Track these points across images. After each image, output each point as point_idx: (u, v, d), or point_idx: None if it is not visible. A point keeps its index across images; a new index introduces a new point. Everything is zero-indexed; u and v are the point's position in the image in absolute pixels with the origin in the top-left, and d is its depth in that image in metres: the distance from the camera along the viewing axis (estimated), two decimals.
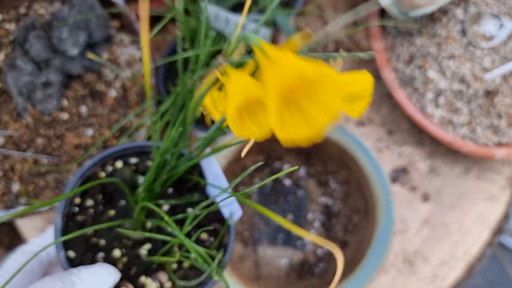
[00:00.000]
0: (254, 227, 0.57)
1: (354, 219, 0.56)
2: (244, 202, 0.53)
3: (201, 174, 0.39)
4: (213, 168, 0.37)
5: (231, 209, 0.37)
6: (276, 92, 0.17)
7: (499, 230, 0.63)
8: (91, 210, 0.37)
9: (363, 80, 0.22)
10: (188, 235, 0.37)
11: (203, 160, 0.38)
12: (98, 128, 0.53)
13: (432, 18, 0.62)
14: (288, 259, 0.56)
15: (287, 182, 0.58)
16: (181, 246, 0.37)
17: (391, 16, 0.60)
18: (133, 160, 0.40)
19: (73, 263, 0.35)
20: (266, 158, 0.58)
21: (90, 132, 0.53)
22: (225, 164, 0.50)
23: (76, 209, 0.37)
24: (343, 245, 0.55)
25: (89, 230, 0.32)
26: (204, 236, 0.37)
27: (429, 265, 0.61)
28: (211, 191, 0.38)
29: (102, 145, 0.54)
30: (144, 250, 0.37)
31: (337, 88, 0.17)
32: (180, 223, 0.37)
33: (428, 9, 0.57)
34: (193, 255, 0.34)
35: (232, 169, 0.57)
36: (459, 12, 0.61)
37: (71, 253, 0.35)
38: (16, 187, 0.52)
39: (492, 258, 1.21)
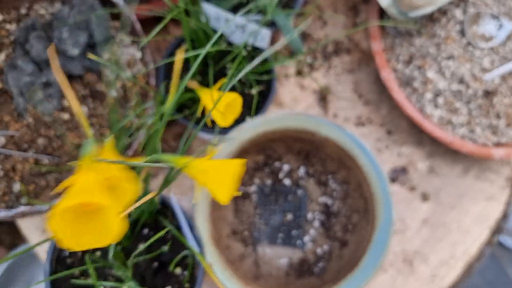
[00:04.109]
0: (254, 226, 0.57)
1: (354, 218, 0.56)
2: (244, 201, 0.53)
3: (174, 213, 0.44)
4: (176, 206, 0.42)
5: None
6: (73, 201, 0.19)
7: (498, 230, 0.64)
8: (79, 253, 0.42)
9: (230, 171, 0.25)
10: (164, 269, 0.41)
11: (170, 199, 0.43)
12: (98, 128, 0.54)
13: (431, 18, 0.62)
14: (288, 259, 0.57)
15: (287, 181, 0.59)
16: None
17: (391, 16, 0.60)
18: None
19: None
20: (266, 158, 0.58)
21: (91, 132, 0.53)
22: None
23: (67, 253, 0.42)
24: (342, 245, 0.56)
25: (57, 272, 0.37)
26: (178, 270, 0.42)
27: (428, 265, 0.62)
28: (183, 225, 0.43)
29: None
30: (126, 286, 0.39)
31: (112, 216, 0.20)
32: (157, 259, 0.42)
33: (428, 9, 0.57)
34: None
35: None
36: (458, 13, 0.61)
37: None
38: (17, 187, 0.52)
39: (491, 258, 1.22)
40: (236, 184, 0.26)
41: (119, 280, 0.40)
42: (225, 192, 0.26)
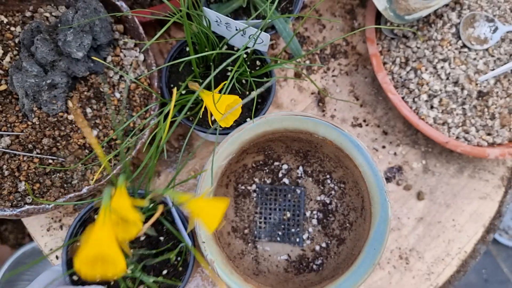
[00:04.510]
0: (254, 224, 0.59)
1: (351, 216, 0.57)
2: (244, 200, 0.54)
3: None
4: (170, 205, 0.49)
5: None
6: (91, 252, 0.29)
7: (493, 228, 0.65)
8: None
9: (218, 207, 0.33)
10: (161, 255, 0.50)
11: (165, 199, 0.50)
12: (102, 129, 0.55)
13: (427, 21, 0.63)
14: (287, 256, 0.58)
15: (286, 181, 0.60)
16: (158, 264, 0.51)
17: (387, 19, 0.62)
18: None
19: (77, 284, 0.48)
20: (265, 157, 0.60)
21: (94, 132, 0.54)
22: (225, 164, 0.51)
23: (78, 243, 0.49)
24: (340, 242, 0.57)
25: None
26: (173, 256, 0.49)
27: (424, 262, 0.63)
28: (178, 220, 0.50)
29: (106, 146, 0.55)
30: (129, 270, 0.48)
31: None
32: (156, 246, 0.50)
33: (424, 12, 0.59)
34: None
35: (233, 169, 0.58)
36: (453, 16, 0.62)
37: (75, 277, 0.48)
38: (22, 186, 0.53)
39: (487, 255, 1.23)
40: (221, 218, 0.33)
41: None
42: (213, 225, 0.33)
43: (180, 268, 0.50)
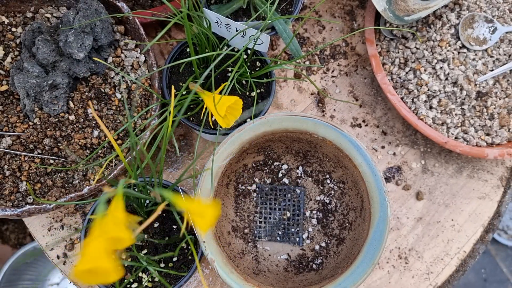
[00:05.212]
0: (254, 224, 0.59)
1: (350, 216, 0.57)
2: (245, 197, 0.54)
3: None
4: (181, 194, 0.51)
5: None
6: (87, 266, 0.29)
7: (492, 228, 0.65)
8: None
9: (207, 211, 0.33)
10: (174, 244, 0.52)
11: (178, 188, 0.52)
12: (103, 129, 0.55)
13: (426, 22, 0.63)
14: (287, 255, 0.58)
15: (286, 181, 0.60)
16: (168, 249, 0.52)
17: (387, 20, 0.62)
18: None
19: None
20: (265, 158, 0.60)
21: (95, 133, 0.54)
22: (226, 164, 0.51)
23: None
24: (339, 241, 0.57)
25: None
26: (183, 245, 0.52)
27: (423, 262, 0.63)
28: None
29: (107, 146, 0.55)
30: (142, 254, 0.51)
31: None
32: (168, 234, 0.53)
33: (423, 13, 0.59)
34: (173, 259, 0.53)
35: (233, 169, 0.58)
36: (453, 16, 0.62)
37: None
38: (23, 186, 0.53)
39: (486, 255, 1.23)
40: (211, 223, 0.34)
41: (139, 247, 0.52)
42: (204, 229, 0.34)
43: (189, 257, 0.52)
